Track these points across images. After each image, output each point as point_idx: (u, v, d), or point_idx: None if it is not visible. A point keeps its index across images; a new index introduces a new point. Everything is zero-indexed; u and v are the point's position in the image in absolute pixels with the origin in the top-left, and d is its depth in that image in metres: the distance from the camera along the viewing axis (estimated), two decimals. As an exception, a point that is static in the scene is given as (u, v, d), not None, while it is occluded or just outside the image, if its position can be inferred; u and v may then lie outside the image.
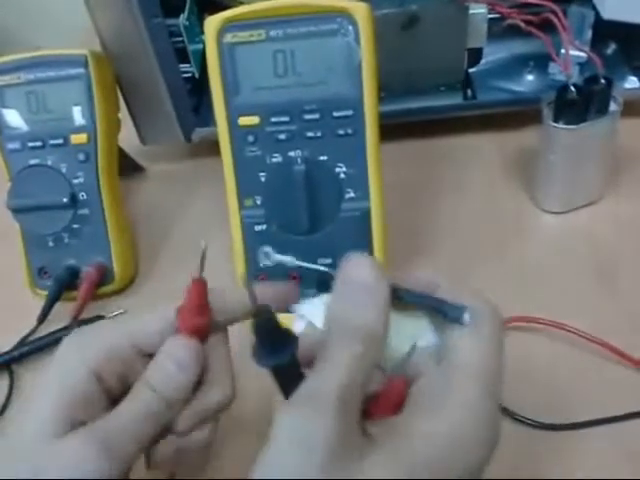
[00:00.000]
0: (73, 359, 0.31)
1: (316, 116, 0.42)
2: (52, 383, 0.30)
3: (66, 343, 0.32)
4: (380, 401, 0.27)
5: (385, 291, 0.28)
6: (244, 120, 0.43)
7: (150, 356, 0.31)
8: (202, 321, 0.31)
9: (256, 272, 0.45)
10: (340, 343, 0.26)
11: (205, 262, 0.31)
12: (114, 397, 0.31)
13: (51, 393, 0.30)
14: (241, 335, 0.32)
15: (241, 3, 0.57)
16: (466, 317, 0.28)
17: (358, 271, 0.28)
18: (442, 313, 0.29)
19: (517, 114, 0.57)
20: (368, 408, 0.27)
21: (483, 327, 0.28)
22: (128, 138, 0.56)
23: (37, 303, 0.49)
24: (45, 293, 0.50)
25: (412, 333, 0.29)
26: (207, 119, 0.57)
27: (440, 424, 0.26)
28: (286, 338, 0.26)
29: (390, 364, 0.29)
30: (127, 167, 0.58)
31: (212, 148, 0.45)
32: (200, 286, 0.31)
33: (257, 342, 0.25)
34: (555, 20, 0.47)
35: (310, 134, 0.42)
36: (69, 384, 0.30)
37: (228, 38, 0.41)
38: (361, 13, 0.40)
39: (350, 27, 0.41)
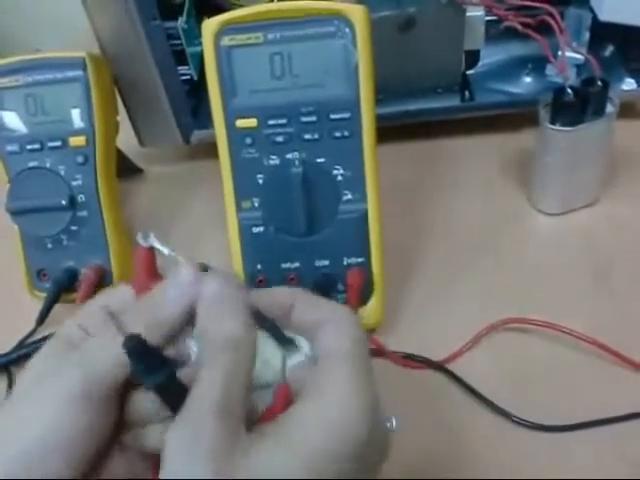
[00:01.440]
0: None
1: (313, 118, 0.42)
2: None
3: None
4: (271, 406, 0.29)
5: (239, 298, 0.30)
6: (241, 122, 0.43)
7: None
8: (155, 283, 0.32)
9: (254, 273, 0.45)
10: (211, 355, 0.29)
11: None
12: None
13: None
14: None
15: (241, 6, 0.57)
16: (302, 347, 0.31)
17: (211, 287, 0.30)
18: (277, 340, 0.31)
19: (515, 116, 0.58)
20: (263, 417, 0.29)
21: (344, 326, 0.30)
22: (127, 140, 0.56)
23: (36, 305, 0.50)
24: (44, 295, 0.50)
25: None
26: (205, 121, 0.57)
27: (315, 406, 0.28)
28: (162, 359, 0.28)
29: (271, 378, 0.30)
30: (125, 169, 0.58)
31: (210, 150, 0.45)
32: (144, 252, 0.32)
33: (134, 366, 0.28)
34: (552, 22, 0.47)
35: (307, 136, 0.42)
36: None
37: (225, 41, 0.41)
38: (358, 16, 0.41)
39: (347, 30, 0.41)
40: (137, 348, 0.27)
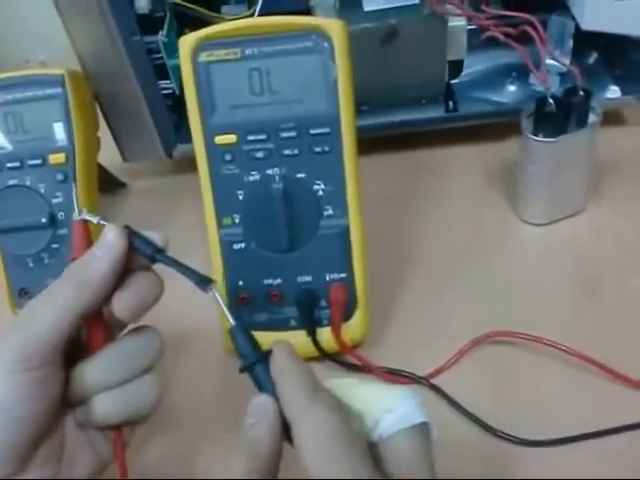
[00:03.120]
0: None
1: (293, 134, 0.42)
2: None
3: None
4: None
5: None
6: (221, 139, 0.42)
7: None
8: None
9: (236, 290, 0.45)
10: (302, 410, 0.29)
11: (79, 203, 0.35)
12: None
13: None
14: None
15: (222, 19, 0.57)
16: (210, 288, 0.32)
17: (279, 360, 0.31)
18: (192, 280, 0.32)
19: (499, 125, 0.57)
20: None
21: None
22: (109, 155, 0.56)
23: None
24: (26, 314, 0.49)
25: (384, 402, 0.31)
26: (188, 135, 0.56)
27: None
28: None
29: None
30: (108, 184, 0.58)
31: (194, 164, 0.45)
32: (78, 224, 0.34)
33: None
34: (532, 32, 0.47)
35: (287, 152, 0.42)
36: None
37: (203, 57, 0.41)
38: (336, 30, 0.40)
39: (325, 44, 0.40)
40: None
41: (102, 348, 0.34)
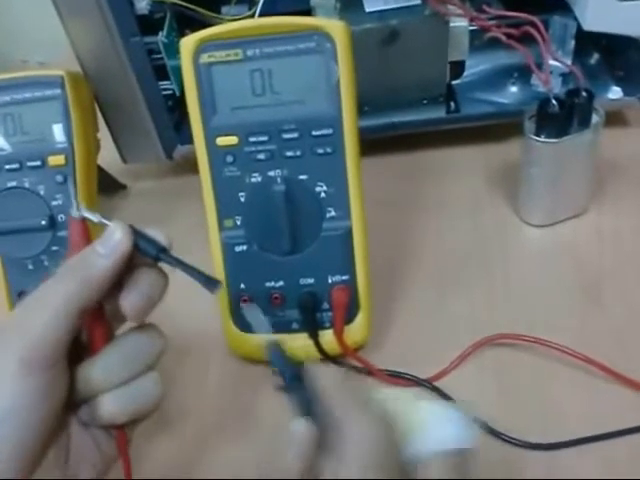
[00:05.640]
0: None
1: (295, 135, 0.42)
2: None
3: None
4: None
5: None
6: (222, 140, 0.42)
7: None
8: None
9: (237, 293, 0.44)
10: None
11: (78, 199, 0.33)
12: None
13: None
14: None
15: (222, 20, 0.57)
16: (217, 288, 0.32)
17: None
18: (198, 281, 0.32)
19: (501, 126, 0.57)
20: None
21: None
22: (109, 156, 0.56)
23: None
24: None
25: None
26: (189, 136, 0.55)
27: None
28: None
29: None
30: (108, 185, 0.57)
31: (194, 165, 0.44)
32: (77, 223, 0.33)
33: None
34: (534, 32, 0.47)
35: (289, 153, 0.42)
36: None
37: (204, 58, 0.41)
38: (339, 31, 0.40)
39: (327, 45, 0.40)
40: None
41: (104, 346, 0.33)
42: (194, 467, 0.42)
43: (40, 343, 0.30)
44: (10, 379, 0.30)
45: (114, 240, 0.32)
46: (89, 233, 0.33)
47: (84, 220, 0.33)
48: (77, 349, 0.33)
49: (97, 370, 0.33)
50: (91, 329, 0.34)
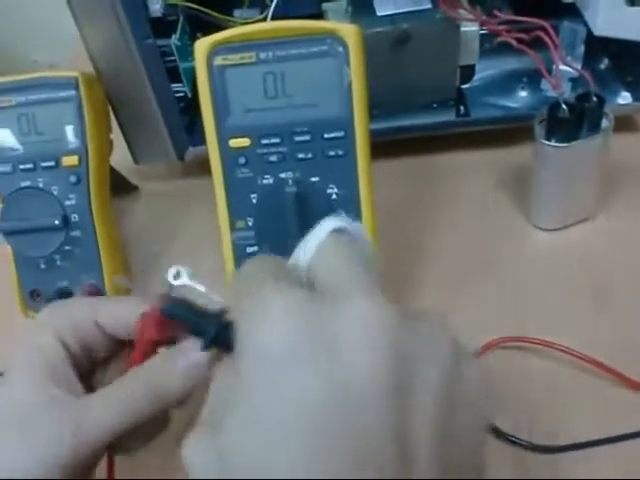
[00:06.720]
0: (45, 331, 0.33)
1: (307, 138, 0.42)
2: (31, 355, 0.32)
3: (40, 317, 0.34)
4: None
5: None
6: (235, 142, 0.43)
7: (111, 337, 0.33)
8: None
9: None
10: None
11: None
12: (79, 364, 0.33)
13: (32, 365, 0.32)
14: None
15: (235, 23, 0.57)
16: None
17: None
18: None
19: (510, 130, 0.57)
20: None
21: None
22: (121, 157, 0.56)
23: (29, 325, 0.49)
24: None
25: None
26: (200, 138, 0.56)
27: None
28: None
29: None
30: (120, 186, 0.58)
31: (205, 167, 0.45)
32: (156, 319, 0.29)
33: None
34: (545, 37, 0.47)
35: (301, 155, 0.42)
36: (45, 357, 0.32)
37: (218, 61, 0.41)
38: (351, 35, 0.40)
39: (340, 48, 0.41)
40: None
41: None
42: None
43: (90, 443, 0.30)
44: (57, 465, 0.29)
45: (197, 363, 0.29)
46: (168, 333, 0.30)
47: (167, 315, 0.28)
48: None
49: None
50: None
